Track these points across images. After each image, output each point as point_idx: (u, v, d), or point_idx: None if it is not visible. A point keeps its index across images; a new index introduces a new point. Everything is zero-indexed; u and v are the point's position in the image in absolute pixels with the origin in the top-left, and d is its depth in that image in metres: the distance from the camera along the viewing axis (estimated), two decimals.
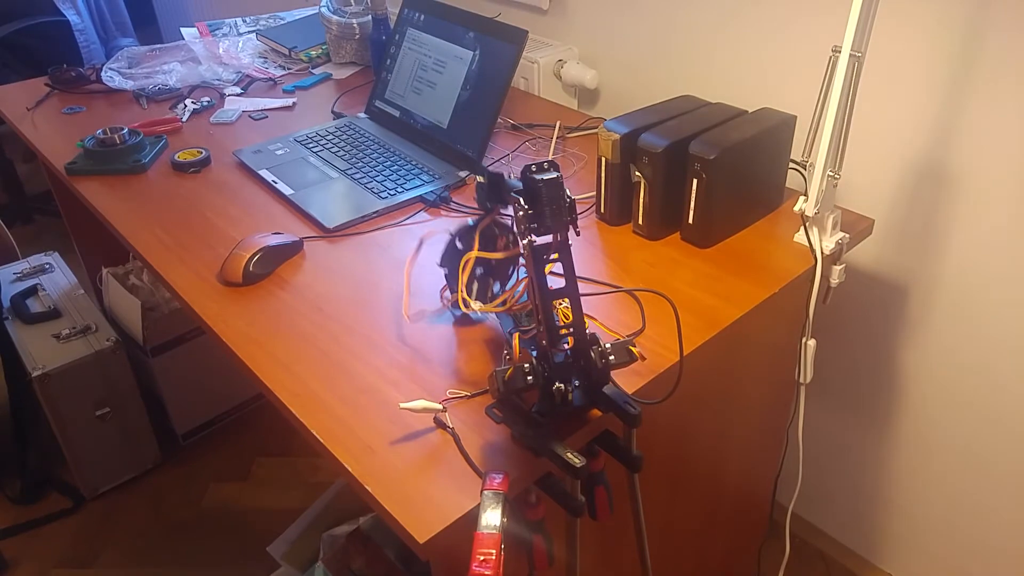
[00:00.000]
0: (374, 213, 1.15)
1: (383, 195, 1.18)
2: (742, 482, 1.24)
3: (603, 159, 1.06)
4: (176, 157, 1.31)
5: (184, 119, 1.50)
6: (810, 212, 0.98)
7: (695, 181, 0.99)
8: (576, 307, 0.70)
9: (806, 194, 0.97)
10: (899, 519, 1.42)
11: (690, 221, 1.03)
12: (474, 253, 0.82)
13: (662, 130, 1.03)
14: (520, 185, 0.72)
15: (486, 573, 0.63)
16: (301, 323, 0.95)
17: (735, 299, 0.95)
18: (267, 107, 1.53)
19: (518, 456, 0.77)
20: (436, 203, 1.17)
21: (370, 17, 1.60)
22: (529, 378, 0.70)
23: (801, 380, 1.11)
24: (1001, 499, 1.25)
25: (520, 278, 0.81)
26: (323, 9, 1.67)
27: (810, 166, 0.96)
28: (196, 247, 1.10)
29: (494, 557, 0.64)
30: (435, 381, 0.85)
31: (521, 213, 0.67)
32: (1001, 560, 1.30)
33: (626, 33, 1.44)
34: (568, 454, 0.73)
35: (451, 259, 0.91)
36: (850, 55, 0.88)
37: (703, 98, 1.13)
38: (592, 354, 0.71)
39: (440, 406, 0.78)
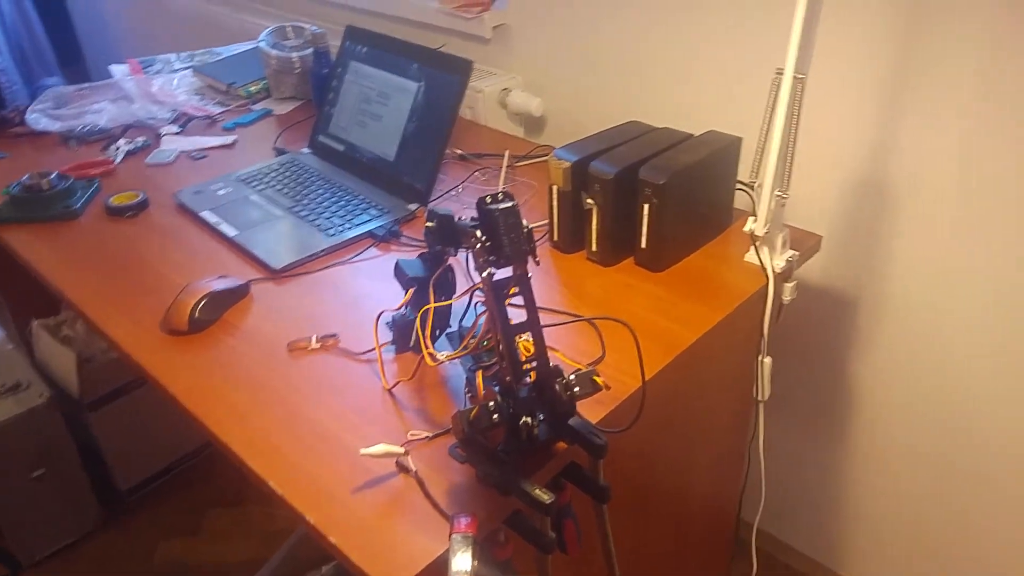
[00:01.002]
0: (322, 251, 1.12)
1: (331, 232, 1.16)
2: (707, 502, 1.24)
3: (554, 187, 1.06)
4: (111, 201, 1.26)
5: (117, 161, 1.44)
6: (760, 232, 0.99)
7: (646, 206, 1.00)
8: (539, 340, 0.69)
9: (755, 214, 0.98)
10: (859, 527, 1.44)
11: (643, 246, 1.03)
12: (431, 305, 0.80)
13: (612, 157, 1.03)
14: (470, 225, 0.71)
15: None
16: (253, 369, 0.91)
17: (691, 322, 0.95)
18: (206, 146, 1.49)
19: (485, 496, 0.74)
20: (386, 238, 1.15)
21: (311, 51, 1.58)
22: (495, 416, 0.68)
23: (759, 398, 1.11)
24: (955, 500, 1.27)
25: (478, 314, 0.80)
26: (262, 44, 1.64)
27: (758, 186, 0.97)
28: (136, 295, 1.05)
29: None
30: (395, 423, 0.83)
31: (479, 246, 0.66)
32: (956, 560, 1.32)
33: (570, 60, 1.45)
34: (536, 491, 0.71)
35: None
36: (793, 77, 0.90)
37: (650, 123, 1.14)
38: (557, 387, 0.70)
39: (402, 449, 0.76)
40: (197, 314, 0.97)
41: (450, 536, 0.69)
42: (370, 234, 1.16)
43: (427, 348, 0.80)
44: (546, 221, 1.15)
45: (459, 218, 0.82)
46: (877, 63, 1.08)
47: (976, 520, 1.27)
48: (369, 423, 0.83)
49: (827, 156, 1.18)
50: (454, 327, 0.90)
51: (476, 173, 1.31)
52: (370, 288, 1.05)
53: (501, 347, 0.69)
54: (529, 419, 0.68)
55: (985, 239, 1.07)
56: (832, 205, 1.20)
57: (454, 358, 0.78)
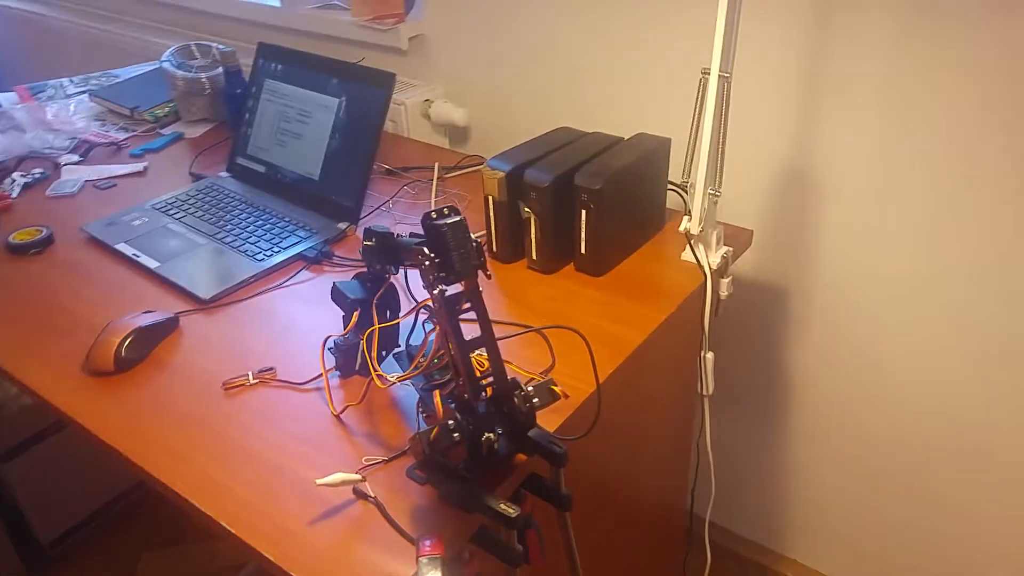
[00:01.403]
0: (251, 278, 1.08)
1: (259, 257, 1.11)
2: (658, 498, 1.25)
3: (490, 198, 1.05)
4: (11, 239, 1.18)
5: (14, 195, 1.35)
6: (695, 230, 1.00)
7: (584, 212, 1.00)
8: (495, 354, 0.68)
9: (688, 214, 1.00)
10: (807, 510, 1.48)
11: (583, 251, 1.04)
12: (375, 326, 0.78)
13: (545, 164, 1.03)
14: (412, 242, 0.69)
15: None
16: (188, 407, 0.86)
17: (636, 323, 0.96)
18: (114, 174, 1.41)
19: (448, 514, 0.73)
20: (318, 259, 1.11)
21: (220, 71, 1.52)
22: (455, 435, 0.66)
23: (703, 392, 1.13)
24: (886, 477, 1.33)
25: (427, 332, 0.78)
26: (166, 64, 1.57)
27: (691, 186, 0.99)
28: (50, 337, 0.98)
29: None
30: (347, 450, 0.80)
31: (428, 263, 0.64)
32: (889, 533, 1.38)
33: (493, 69, 1.45)
34: (501, 505, 0.70)
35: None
36: (719, 76, 0.92)
37: (580, 128, 1.14)
38: (515, 400, 0.69)
39: (358, 476, 0.73)
40: (124, 352, 0.92)
41: (417, 559, 0.67)
42: (300, 256, 1.12)
43: (375, 370, 0.78)
44: (483, 232, 1.14)
45: (397, 235, 0.81)
46: (795, 61, 1.12)
47: (900, 495, 1.32)
48: (320, 452, 0.80)
49: (752, 153, 1.21)
50: (401, 347, 0.88)
51: (405, 187, 1.29)
52: (305, 313, 1.02)
53: (456, 364, 0.67)
54: (491, 435, 0.67)
55: (902, 229, 1.13)
56: (759, 200, 1.24)
57: (405, 379, 0.76)
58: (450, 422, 0.66)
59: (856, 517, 1.42)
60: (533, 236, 1.04)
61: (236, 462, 0.79)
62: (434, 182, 1.28)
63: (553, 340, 0.92)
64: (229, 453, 0.80)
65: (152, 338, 0.96)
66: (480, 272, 0.67)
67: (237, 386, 0.89)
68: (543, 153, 1.06)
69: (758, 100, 1.17)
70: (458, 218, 0.64)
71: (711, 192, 0.98)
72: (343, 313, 0.89)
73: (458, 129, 1.54)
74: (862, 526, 1.42)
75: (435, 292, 0.64)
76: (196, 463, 0.79)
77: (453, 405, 0.72)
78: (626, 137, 1.10)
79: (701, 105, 0.95)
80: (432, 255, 0.64)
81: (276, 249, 1.13)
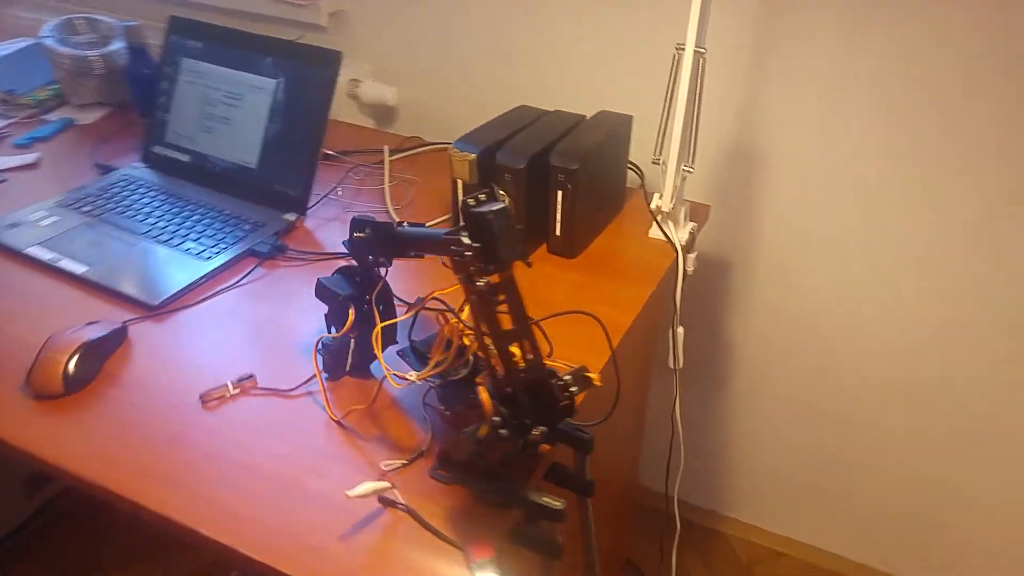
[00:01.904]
0: (202, 278, 0.98)
1: (205, 255, 1.02)
2: (618, 474, 1.27)
3: (458, 181, 1.01)
4: None
5: None
6: (667, 207, 1.02)
7: (560, 193, 0.99)
8: (533, 344, 0.66)
9: (644, 189, 1.01)
10: (756, 475, 1.55)
11: (557, 233, 1.02)
12: (379, 324, 0.74)
13: (516, 145, 1.00)
14: (433, 232, 0.66)
15: None
16: (163, 424, 0.78)
17: (621, 303, 0.96)
18: (1, 167, 1.25)
19: (480, 513, 0.70)
20: (271, 254, 1.04)
21: (114, 48, 1.37)
22: (503, 431, 0.64)
23: (674, 367, 1.16)
24: (829, 439, 1.42)
25: (441, 326, 0.74)
26: (47, 41, 1.40)
27: (663, 163, 1.00)
28: None
29: None
30: (357, 456, 0.75)
31: (469, 254, 0.61)
32: (845, 493, 1.48)
33: (424, 46, 1.39)
34: (544, 499, 0.68)
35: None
36: (695, 51, 0.93)
37: (536, 106, 1.12)
38: (554, 390, 0.67)
39: (387, 484, 0.69)
40: (72, 371, 0.81)
41: (470, 565, 0.64)
42: (251, 252, 1.04)
43: (389, 370, 0.74)
44: (446, 217, 1.10)
45: (397, 224, 0.76)
46: (745, 43, 1.14)
47: (849, 456, 1.42)
48: (329, 461, 0.74)
49: (703, 127, 1.23)
50: (398, 343, 0.83)
51: (350, 173, 1.22)
52: (268, 313, 0.94)
53: (497, 358, 0.64)
54: (540, 429, 0.64)
55: (845, 203, 1.19)
56: (708, 175, 1.27)
57: (426, 377, 0.72)
58: (496, 418, 0.64)
59: (795, 487, 1.50)
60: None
61: (238, 480, 0.72)
62: (386, 166, 1.22)
63: (546, 327, 0.90)
64: (228, 471, 0.73)
65: (101, 353, 0.86)
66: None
67: (217, 398, 0.81)
68: (509, 133, 1.03)
69: (709, 78, 1.19)
70: (503, 205, 0.60)
71: (685, 168, 0.99)
72: (326, 311, 0.83)
73: (386, 110, 1.47)
74: (822, 488, 1.50)
75: (480, 284, 0.61)
76: (190, 486, 0.71)
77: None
78: (587, 115, 1.09)
79: (675, 81, 0.96)
80: (475, 244, 0.61)
81: (221, 246, 1.04)
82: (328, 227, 1.11)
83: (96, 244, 1.03)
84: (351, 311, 0.79)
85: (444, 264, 0.66)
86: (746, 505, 1.61)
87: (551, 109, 1.11)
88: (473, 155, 0.98)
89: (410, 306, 0.76)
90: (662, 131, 1.00)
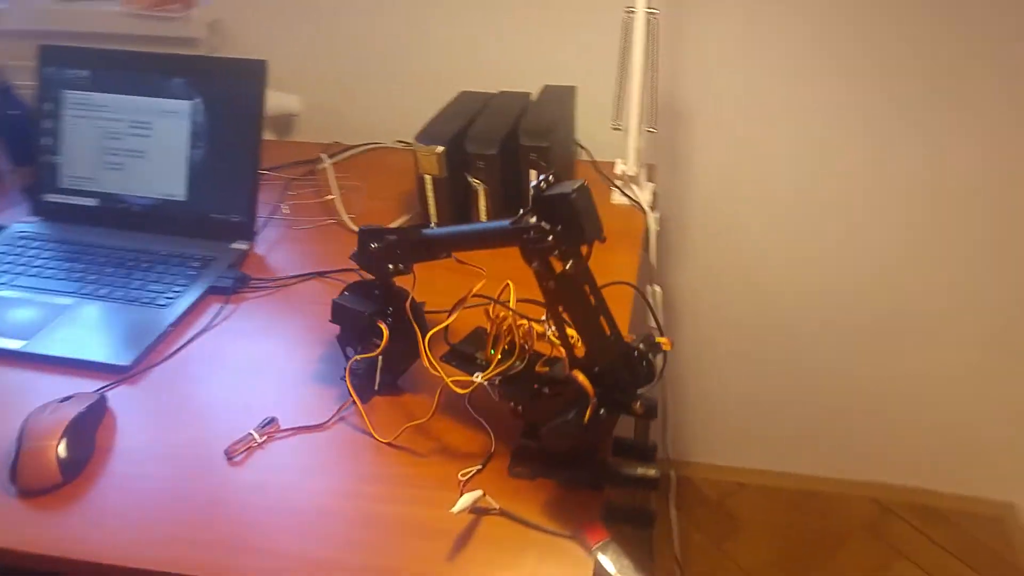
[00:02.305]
0: (169, 328, 0.88)
1: (161, 304, 0.91)
2: None
3: (427, 177, 0.97)
4: None
5: None
6: (632, 172, 1.04)
7: (534, 172, 0.97)
8: (610, 317, 0.65)
9: (592, 162, 1.02)
10: (704, 420, 1.63)
11: None
12: (421, 334, 0.70)
13: (480, 132, 0.98)
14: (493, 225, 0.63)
15: None
16: (191, 489, 0.69)
17: (616, 269, 0.96)
18: None
19: (569, 499, 0.69)
20: (235, 288, 0.95)
21: None
22: (602, 411, 0.63)
23: (654, 326, 1.18)
24: (771, 378, 1.52)
25: (494, 320, 0.72)
26: None
27: (625, 128, 1.01)
28: None
29: None
30: (422, 472, 0.71)
31: (551, 238, 0.59)
32: (772, 429, 1.58)
33: (323, 47, 1.32)
34: (639, 470, 0.68)
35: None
36: (646, 12, 0.94)
37: (477, 91, 1.10)
38: (633, 361, 0.66)
39: (481, 492, 0.66)
40: (65, 454, 0.70)
41: (592, 551, 0.63)
42: (214, 290, 0.94)
43: (446, 377, 0.70)
44: (408, 217, 1.06)
45: (421, 228, 0.72)
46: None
47: (790, 390, 1.53)
48: (396, 485, 0.70)
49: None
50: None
51: (288, 191, 1.14)
52: (258, 349, 0.86)
53: (573, 340, 0.63)
54: (639, 402, 0.64)
55: (764, 158, 1.26)
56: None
57: (497, 374, 0.69)
58: (592, 400, 0.62)
59: (760, 415, 1.59)
60: (483, 207, 0.99)
61: (307, 527, 0.66)
62: (331, 175, 1.14)
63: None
64: (292, 521, 0.66)
65: (89, 429, 0.75)
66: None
67: (244, 450, 0.74)
68: (466, 121, 1.01)
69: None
70: (581, 182, 0.59)
71: (648, 129, 1.01)
72: (339, 333, 0.78)
73: (287, 120, 1.38)
74: (768, 419, 1.59)
75: (567, 267, 0.59)
76: (259, 546, 0.64)
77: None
78: (531, 92, 1.09)
79: (627, 44, 0.97)
80: (556, 227, 0.59)
81: (175, 289, 0.93)
82: (280, 249, 1.04)
83: (18, 313, 0.90)
84: (384, 328, 0.74)
85: (524, 254, 0.62)
86: (702, 449, 1.69)
87: (495, 91, 1.09)
88: (441, 148, 0.95)
89: (453, 307, 0.72)
90: (619, 96, 1.01)
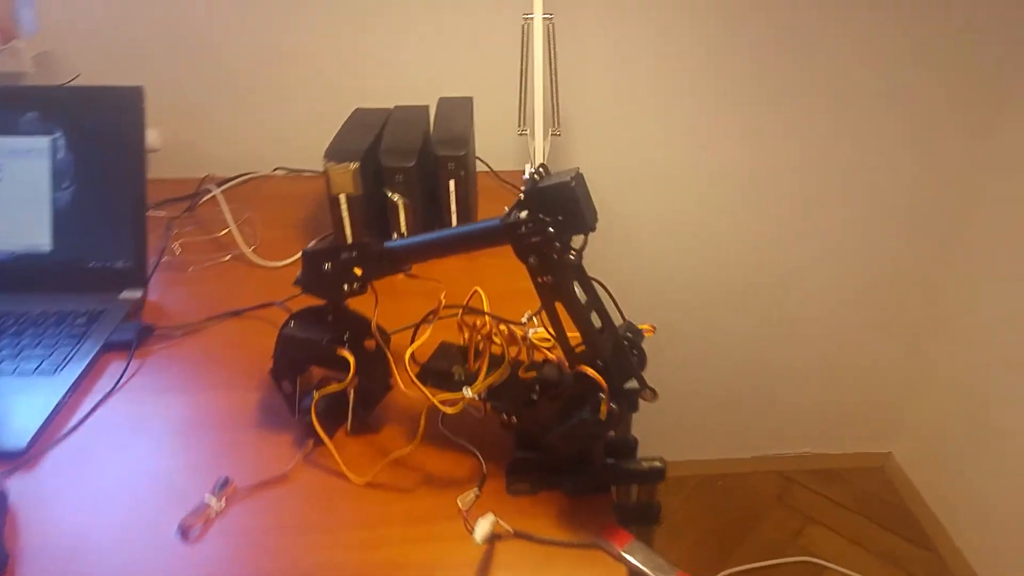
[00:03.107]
0: (65, 398, 0.75)
1: (50, 370, 0.78)
2: None
3: (341, 196, 0.91)
4: None
5: None
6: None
7: (452, 182, 0.94)
8: (603, 311, 0.63)
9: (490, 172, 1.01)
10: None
11: (455, 222, 0.97)
12: (413, 344, 0.64)
13: (392, 145, 0.93)
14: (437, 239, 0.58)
15: None
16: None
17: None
18: None
19: (579, 507, 0.66)
20: (139, 341, 0.83)
21: None
22: (612, 405, 0.60)
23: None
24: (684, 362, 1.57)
25: (472, 328, 0.67)
26: None
27: (529, 134, 1.00)
28: None
29: None
30: (414, 509, 0.65)
31: (552, 230, 0.56)
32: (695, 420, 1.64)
33: (180, 77, 1.20)
34: (643, 463, 0.66)
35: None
36: (543, 19, 0.94)
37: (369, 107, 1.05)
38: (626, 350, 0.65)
39: (492, 515, 0.61)
40: None
41: (620, 556, 0.60)
42: (111, 347, 0.82)
43: (433, 399, 0.64)
44: (321, 237, 0.98)
45: (366, 241, 0.66)
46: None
47: (703, 370, 1.58)
48: (386, 525, 0.63)
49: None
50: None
51: (169, 227, 1.02)
52: (187, 404, 0.76)
53: (574, 340, 0.60)
54: (648, 390, 0.62)
55: (648, 154, 1.31)
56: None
57: (493, 382, 0.65)
58: (602, 395, 0.60)
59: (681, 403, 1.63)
60: (403, 222, 0.93)
61: None
62: (225, 207, 1.02)
63: (508, 301, 0.86)
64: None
65: None
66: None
67: (202, 521, 0.63)
68: (373, 138, 0.95)
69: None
70: (576, 170, 0.56)
71: (554, 132, 1.01)
72: (276, 369, 0.69)
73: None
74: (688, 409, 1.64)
75: (571, 256, 0.56)
76: None
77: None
78: (428, 104, 1.05)
79: (528, 50, 0.96)
80: (558, 217, 0.56)
81: (62, 352, 0.80)
82: (179, 293, 0.92)
83: None
84: (348, 356, 0.67)
85: (519, 250, 0.58)
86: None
87: (389, 107, 1.05)
88: (355, 165, 0.89)
89: (420, 322, 0.67)
90: (522, 102, 1.00)
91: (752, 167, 1.35)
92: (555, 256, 0.57)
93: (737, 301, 1.49)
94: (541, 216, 0.56)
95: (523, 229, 0.57)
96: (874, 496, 1.63)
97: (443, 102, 1.06)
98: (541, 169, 0.58)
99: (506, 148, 1.25)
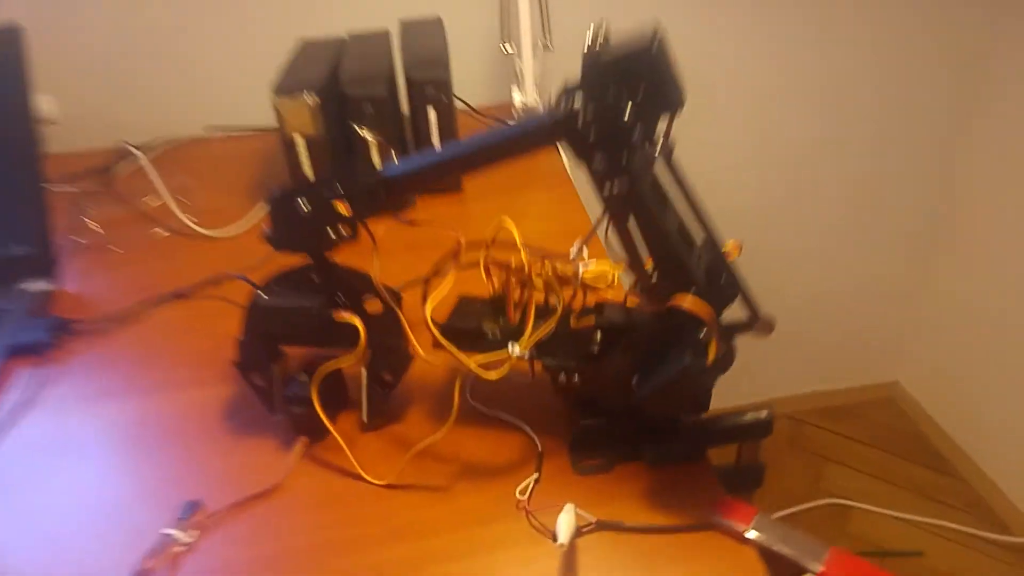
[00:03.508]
0: None
1: None
2: None
3: (297, 136, 0.73)
4: None
5: None
6: (533, 101, 0.87)
7: (433, 109, 0.77)
8: (705, 214, 0.48)
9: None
10: None
11: None
12: (429, 302, 0.49)
13: (355, 75, 0.76)
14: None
15: None
16: None
17: (556, 215, 0.80)
18: None
19: (673, 479, 0.52)
20: (51, 340, 0.64)
21: None
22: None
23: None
24: None
25: (508, 279, 0.51)
26: None
27: (516, 51, 0.84)
28: None
29: None
30: (460, 511, 0.50)
31: (629, 113, 0.40)
32: None
33: (69, 40, 1.00)
34: (749, 415, 0.52)
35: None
36: None
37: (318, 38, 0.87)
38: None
39: (572, 506, 0.46)
40: None
41: (745, 536, 0.46)
42: (18, 350, 0.63)
43: (471, 361, 0.49)
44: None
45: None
46: None
47: None
48: (444, 532, 0.48)
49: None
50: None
51: (80, 204, 0.82)
52: (125, 411, 0.58)
53: (662, 253, 0.46)
54: (760, 320, 0.48)
55: None
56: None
57: (541, 336, 0.49)
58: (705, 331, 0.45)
59: None
60: (376, 160, 0.76)
61: None
62: (153, 174, 0.82)
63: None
64: None
65: None
66: None
67: (173, 555, 0.47)
68: (329, 69, 0.78)
69: None
70: (654, 28, 0.41)
71: (544, 45, 0.85)
72: (241, 354, 0.53)
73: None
74: None
75: (657, 151, 0.42)
76: None
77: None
78: (388, 28, 0.88)
79: None
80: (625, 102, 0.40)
81: None
82: (100, 279, 0.74)
83: None
84: (356, 321, 0.50)
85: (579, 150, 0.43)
86: None
87: (343, 35, 0.87)
88: (314, 98, 0.71)
89: (433, 271, 0.51)
90: (506, 20, 0.84)
91: (753, 80, 1.21)
92: (631, 152, 0.41)
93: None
94: (613, 98, 0.40)
95: (585, 118, 0.41)
96: (888, 427, 1.55)
97: (407, 25, 0.88)
98: (600, 38, 0.42)
99: (484, 81, 1.07)
